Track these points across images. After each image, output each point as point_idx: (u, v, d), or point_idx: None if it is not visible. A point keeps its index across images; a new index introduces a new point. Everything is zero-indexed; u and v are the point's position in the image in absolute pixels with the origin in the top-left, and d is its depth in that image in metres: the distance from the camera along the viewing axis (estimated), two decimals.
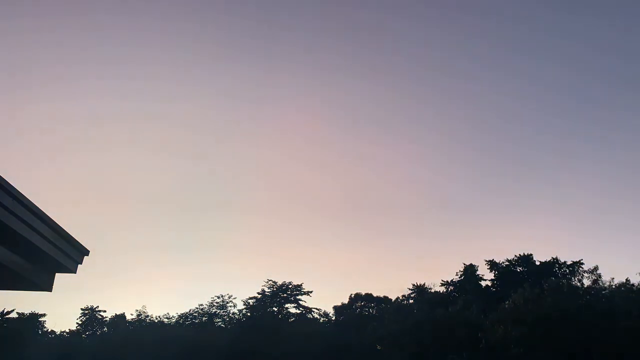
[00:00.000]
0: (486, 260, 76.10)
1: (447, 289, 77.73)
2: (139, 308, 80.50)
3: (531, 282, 57.33)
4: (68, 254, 6.90)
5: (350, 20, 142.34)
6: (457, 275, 77.36)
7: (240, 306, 78.45)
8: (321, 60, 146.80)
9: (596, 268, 65.49)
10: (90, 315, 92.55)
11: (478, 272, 76.10)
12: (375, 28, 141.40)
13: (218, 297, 79.74)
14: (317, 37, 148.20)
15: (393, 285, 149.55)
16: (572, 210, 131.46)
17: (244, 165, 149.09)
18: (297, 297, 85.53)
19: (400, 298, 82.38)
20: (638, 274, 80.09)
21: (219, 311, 79.41)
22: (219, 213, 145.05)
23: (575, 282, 64.05)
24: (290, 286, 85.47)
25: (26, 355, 60.90)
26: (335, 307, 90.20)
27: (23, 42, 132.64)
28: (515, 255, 75.71)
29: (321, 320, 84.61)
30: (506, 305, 53.61)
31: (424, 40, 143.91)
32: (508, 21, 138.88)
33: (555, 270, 72.19)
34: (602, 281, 60.13)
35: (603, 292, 54.02)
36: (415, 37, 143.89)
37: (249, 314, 74.30)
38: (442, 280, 78.75)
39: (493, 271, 75.78)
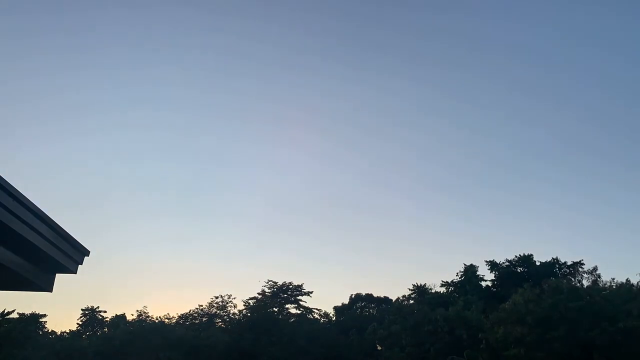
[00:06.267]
0: (486, 261, 76.09)
1: (448, 290, 77.66)
2: (139, 308, 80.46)
3: (531, 283, 57.30)
4: (68, 254, 6.93)
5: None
6: (457, 275, 77.37)
7: (241, 307, 78.44)
8: (319, 63, 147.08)
9: (596, 268, 65.62)
10: (91, 316, 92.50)
11: (478, 273, 76.05)
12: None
13: (218, 298, 79.72)
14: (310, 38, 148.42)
15: (393, 286, 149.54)
16: (572, 210, 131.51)
17: (242, 166, 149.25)
18: (298, 298, 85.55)
19: (401, 298, 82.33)
20: (638, 274, 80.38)
21: (219, 312, 79.26)
22: (219, 214, 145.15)
23: (575, 282, 64.02)
24: (290, 287, 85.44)
25: (26, 356, 60.87)
26: (335, 308, 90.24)
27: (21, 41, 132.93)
28: (516, 256, 75.69)
29: (322, 321, 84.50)
30: (506, 306, 53.56)
31: (421, 36, 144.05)
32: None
33: (555, 271, 72.11)
34: (602, 281, 60.17)
35: (603, 292, 53.95)
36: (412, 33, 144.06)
37: (249, 315, 74.16)
38: (443, 281, 78.81)
39: (493, 271, 75.71)
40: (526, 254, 75.44)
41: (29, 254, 6.46)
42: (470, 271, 75.70)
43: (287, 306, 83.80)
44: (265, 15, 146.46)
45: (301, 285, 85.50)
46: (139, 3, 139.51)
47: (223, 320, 78.25)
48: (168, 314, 78.58)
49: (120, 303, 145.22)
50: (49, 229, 6.28)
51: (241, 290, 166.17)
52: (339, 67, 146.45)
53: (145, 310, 74.81)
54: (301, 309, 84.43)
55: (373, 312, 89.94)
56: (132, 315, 75.95)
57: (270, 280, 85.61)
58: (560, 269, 72.82)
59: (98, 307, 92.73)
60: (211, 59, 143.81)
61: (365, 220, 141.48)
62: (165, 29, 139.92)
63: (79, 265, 7.30)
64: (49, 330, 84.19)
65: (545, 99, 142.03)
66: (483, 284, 75.88)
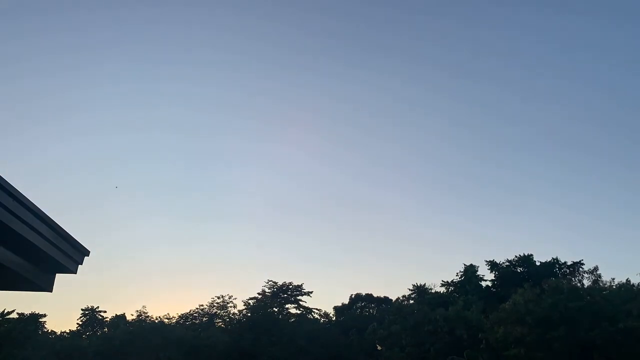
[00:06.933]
0: (486, 261, 76.06)
1: (448, 289, 77.61)
2: (139, 308, 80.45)
3: (531, 283, 57.28)
4: (68, 254, 6.93)
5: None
6: (457, 275, 77.32)
7: (241, 306, 78.40)
8: (317, 65, 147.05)
9: (596, 268, 65.53)
10: (91, 316, 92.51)
11: (478, 273, 76.00)
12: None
13: (218, 298, 79.67)
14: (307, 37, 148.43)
15: (393, 286, 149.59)
16: (572, 210, 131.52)
17: (242, 165, 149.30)
18: (298, 298, 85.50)
19: (401, 298, 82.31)
20: (638, 274, 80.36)
21: (219, 311, 79.23)
22: (219, 214, 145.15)
23: (575, 282, 64.00)
24: (290, 287, 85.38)
25: (26, 356, 60.85)
26: (335, 308, 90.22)
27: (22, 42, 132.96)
28: (516, 256, 75.65)
29: (322, 321, 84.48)
30: (506, 306, 53.57)
31: (422, 37, 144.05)
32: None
33: (556, 271, 72.05)
34: (602, 281, 60.15)
35: (603, 292, 53.96)
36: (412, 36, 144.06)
37: (249, 315, 74.11)
38: (443, 281, 78.78)
39: (493, 271, 75.66)
40: (526, 254, 75.43)
41: (29, 254, 6.46)
42: (470, 271, 75.66)
43: (287, 306, 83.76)
44: (265, 15, 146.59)
45: (301, 285, 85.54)
46: (139, 2, 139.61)
47: (223, 321, 78.21)
48: (168, 314, 78.67)
49: (120, 303, 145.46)
50: (49, 229, 6.28)
51: (241, 290, 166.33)
52: (339, 67, 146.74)
53: (145, 310, 74.85)
54: (301, 309, 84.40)
55: (373, 312, 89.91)
56: (132, 315, 76.01)
57: (270, 280, 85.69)
58: (560, 269, 72.75)
59: (98, 307, 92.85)
60: (211, 58, 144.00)
61: (365, 220, 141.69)
62: (164, 28, 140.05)
63: (79, 265, 7.30)
64: (49, 330, 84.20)
65: (545, 99, 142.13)
66: (483, 284, 75.85)
